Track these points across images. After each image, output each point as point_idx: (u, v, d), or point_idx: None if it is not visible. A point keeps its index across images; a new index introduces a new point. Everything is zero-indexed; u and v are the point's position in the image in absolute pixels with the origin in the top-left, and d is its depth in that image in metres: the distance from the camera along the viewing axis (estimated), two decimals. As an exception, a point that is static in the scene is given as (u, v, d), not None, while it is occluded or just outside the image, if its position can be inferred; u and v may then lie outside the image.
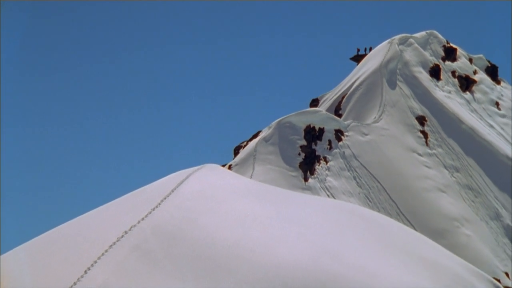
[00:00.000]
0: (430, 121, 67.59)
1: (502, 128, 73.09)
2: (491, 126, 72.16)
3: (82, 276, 20.54)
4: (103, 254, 21.68)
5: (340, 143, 62.37)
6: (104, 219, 25.74)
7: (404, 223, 48.02)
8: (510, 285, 31.81)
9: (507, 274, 55.18)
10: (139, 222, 23.59)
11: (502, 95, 78.62)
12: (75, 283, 20.25)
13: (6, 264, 24.33)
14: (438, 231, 54.03)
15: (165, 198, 25.65)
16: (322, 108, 70.63)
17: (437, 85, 72.44)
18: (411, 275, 24.77)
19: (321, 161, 60.41)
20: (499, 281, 30.41)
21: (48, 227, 26.94)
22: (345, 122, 64.92)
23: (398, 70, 71.84)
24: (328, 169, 59.90)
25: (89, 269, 20.92)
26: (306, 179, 58.40)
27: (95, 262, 21.26)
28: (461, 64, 78.55)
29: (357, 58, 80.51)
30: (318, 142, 61.77)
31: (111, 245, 22.16)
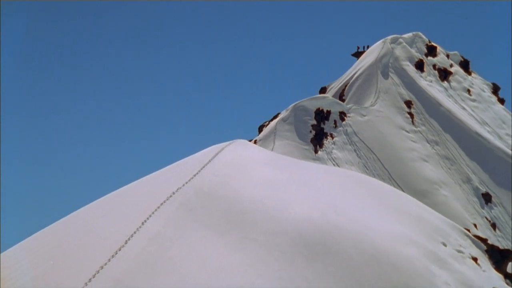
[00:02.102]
0: (415, 105, 67.20)
1: (472, 110, 72.64)
2: (464, 109, 71.71)
3: (140, 227, 20.72)
4: (156, 210, 21.84)
5: (344, 122, 62.10)
6: (156, 183, 25.94)
7: (395, 186, 48.01)
8: (477, 234, 32.00)
9: (475, 225, 55.05)
10: (183, 185, 23.75)
11: (472, 84, 78.13)
12: (135, 232, 20.44)
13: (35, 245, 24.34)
14: (421, 192, 53.84)
15: (204, 167, 25.82)
16: (329, 94, 70.22)
17: (421, 76, 72.01)
18: (399, 226, 24.86)
19: (328, 137, 60.16)
20: (469, 231, 30.43)
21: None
22: (348, 106, 64.61)
23: (390, 64, 71.45)
24: (334, 143, 59.71)
25: (145, 221, 21.09)
26: (316, 152, 58.21)
27: (150, 216, 21.42)
28: (440, 59, 78.05)
29: (357, 54, 79.90)
30: (326, 122, 61.43)
31: (162, 203, 22.31)
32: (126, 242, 19.82)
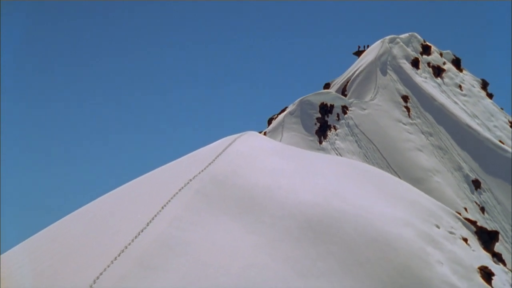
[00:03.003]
0: (411, 99, 66.99)
1: (463, 104, 72.39)
2: (456, 103, 71.46)
3: (160, 211, 20.77)
4: (174, 196, 21.88)
5: (346, 115, 61.99)
6: (175, 171, 25.98)
7: (392, 174, 47.91)
8: (467, 217, 32.04)
9: (465, 209, 54.95)
10: (199, 173, 23.78)
11: (463, 80, 77.85)
12: (155, 216, 20.49)
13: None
14: (417, 179, 53.73)
15: (218, 156, 25.85)
16: (332, 90, 70.07)
17: (416, 73, 71.77)
18: (396, 210, 24.86)
19: (331, 129, 60.05)
20: (460, 214, 30.40)
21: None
22: (349, 100, 64.47)
23: (388, 62, 71.22)
24: (337, 134, 59.62)
25: (165, 206, 21.14)
26: (320, 142, 58.15)
27: (169, 201, 21.47)
28: (434, 57, 77.72)
29: (358, 53, 79.61)
30: (329, 115, 61.31)
31: (180, 189, 22.36)
32: (147, 225, 19.90)
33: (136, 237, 19.18)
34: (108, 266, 17.72)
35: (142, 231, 19.53)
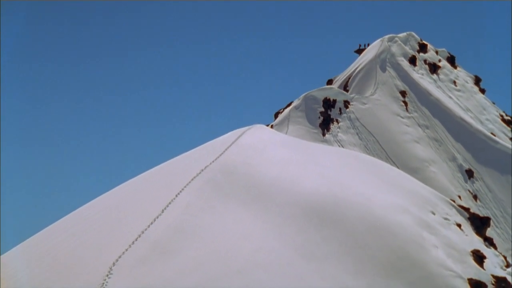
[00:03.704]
0: (408, 94, 66.77)
1: (457, 99, 72.11)
2: (450, 98, 71.20)
3: (174, 199, 20.83)
4: (187, 184, 21.92)
5: (347, 110, 61.88)
6: (187, 162, 25.99)
7: (391, 164, 47.88)
8: (461, 204, 32.05)
9: (459, 196, 54.85)
10: (210, 163, 23.81)
11: (458, 76, 77.51)
12: (170, 203, 20.56)
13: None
14: (413, 169, 53.62)
15: (228, 147, 25.86)
16: (335, 85, 69.82)
17: (413, 70, 71.53)
18: (395, 198, 24.84)
19: (334, 122, 59.97)
20: (454, 201, 30.37)
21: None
22: (351, 95, 64.32)
23: (387, 59, 70.99)
24: (339, 127, 59.54)
25: (178, 193, 21.18)
26: (324, 135, 58.09)
27: (182, 189, 21.51)
28: (430, 55, 77.39)
29: (359, 51, 79.26)
30: (332, 109, 61.19)
31: (192, 178, 22.39)
32: (162, 211, 19.97)
33: (152, 223, 19.25)
34: (126, 250, 17.81)
35: (157, 217, 19.60)
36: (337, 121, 60.05)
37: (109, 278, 16.49)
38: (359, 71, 70.07)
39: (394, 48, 72.73)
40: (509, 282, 24.01)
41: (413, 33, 78.36)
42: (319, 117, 59.88)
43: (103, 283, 16.24)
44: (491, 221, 38.32)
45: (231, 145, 26.18)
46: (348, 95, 64.17)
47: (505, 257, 29.24)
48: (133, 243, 18.11)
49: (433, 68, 75.03)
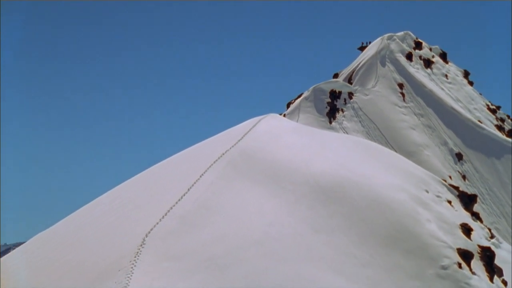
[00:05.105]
0: (405, 86, 66.37)
1: (449, 90, 71.64)
2: (442, 89, 70.71)
3: (198, 179, 20.87)
4: (210, 166, 21.93)
5: (351, 100, 61.67)
6: (209, 147, 26.01)
7: (390, 148, 47.62)
8: (451, 183, 31.89)
9: (450, 177, 54.60)
10: (230, 148, 23.81)
11: (449, 70, 77.00)
12: (194, 182, 20.60)
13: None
14: (410, 153, 53.42)
15: (245, 134, 25.84)
16: (340, 79, 69.57)
17: (410, 64, 71.01)
18: (393, 178, 24.78)
19: (339, 111, 59.81)
20: (445, 181, 30.20)
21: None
22: (354, 87, 64.07)
23: (386, 55, 70.53)
24: (344, 116, 59.36)
25: (202, 174, 21.22)
26: (330, 122, 57.95)
27: (205, 171, 21.53)
28: (425, 52, 76.81)
29: (362, 48, 78.78)
30: (338, 100, 61.02)
31: (214, 161, 22.43)
32: (188, 190, 20.01)
33: (179, 199, 19.31)
34: (157, 223, 17.88)
35: (184, 194, 19.65)
36: (342, 110, 59.88)
37: (142, 247, 16.57)
38: (361, 66, 69.74)
39: (393, 46, 72.22)
40: (493, 251, 23.99)
41: (410, 32, 77.81)
42: (326, 107, 59.75)
43: (138, 252, 16.33)
44: (477, 198, 38.08)
45: (248, 131, 26.16)
46: (352, 87, 63.93)
47: (489, 230, 29.20)
48: (163, 217, 18.19)
49: (427, 63, 74.49)
